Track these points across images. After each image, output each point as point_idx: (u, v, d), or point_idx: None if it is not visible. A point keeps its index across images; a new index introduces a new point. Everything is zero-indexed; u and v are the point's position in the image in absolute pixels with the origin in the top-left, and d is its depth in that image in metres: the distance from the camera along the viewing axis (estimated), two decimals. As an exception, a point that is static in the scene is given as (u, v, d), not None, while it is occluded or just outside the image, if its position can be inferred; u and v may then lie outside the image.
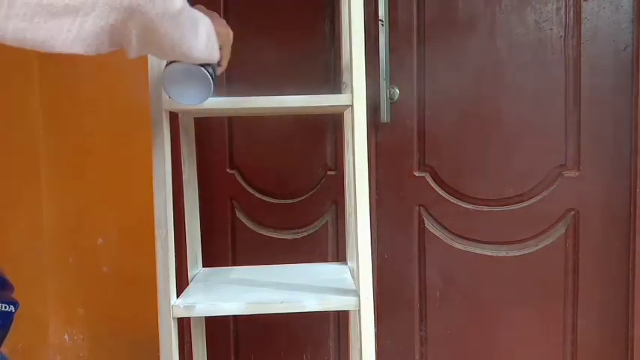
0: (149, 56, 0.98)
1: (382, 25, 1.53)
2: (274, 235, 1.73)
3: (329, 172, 1.67)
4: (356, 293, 1.02)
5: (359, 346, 1.00)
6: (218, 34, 0.87)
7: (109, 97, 1.77)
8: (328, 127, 1.65)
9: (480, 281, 1.58)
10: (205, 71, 0.88)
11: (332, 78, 1.62)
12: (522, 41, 1.50)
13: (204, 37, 0.80)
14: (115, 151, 1.77)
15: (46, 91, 1.81)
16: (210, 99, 0.92)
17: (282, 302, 1.01)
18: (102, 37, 0.63)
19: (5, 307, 0.85)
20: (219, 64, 0.93)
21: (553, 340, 1.55)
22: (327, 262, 1.57)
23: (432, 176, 1.59)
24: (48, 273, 1.85)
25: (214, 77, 0.90)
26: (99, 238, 1.82)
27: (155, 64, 0.99)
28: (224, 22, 0.93)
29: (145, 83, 1.00)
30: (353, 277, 1.18)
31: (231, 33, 0.94)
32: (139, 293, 1.77)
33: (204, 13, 0.85)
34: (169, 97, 0.92)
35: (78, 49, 0.62)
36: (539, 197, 1.53)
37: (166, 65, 0.89)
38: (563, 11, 1.48)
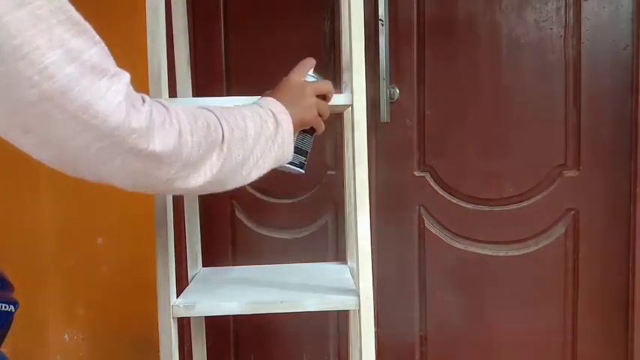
0: (149, 56, 0.98)
1: (382, 25, 1.53)
2: (274, 234, 1.72)
3: (329, 172, 1.67)
4: (356, 293, 1.01)
5: (359, 346, 1.00)
6: (302, 122, 0.87)
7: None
8: (328, 127, 1.65)
9: (480, 281, 1.58)
10: (292, 167, 0.92)
11: (332, 78, 1.62)
12: (522, 41, 1.50)
13: (231, 164, 0.73)
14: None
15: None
16: (209, 99, 0.95)
17: (281, 302, 1.01)
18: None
19: (5, 307, 0.85)
20: (312, 132, 0.94)
21: (553, 340, 1.55)
22: (327, 262, 1.56)
23: (432, 176, 1.59)
24: (48, 273, 1.84)
25: (305, 160, 0.94)
26: (99, 238, 1.82)
27: (155, 63, 0.99)
28: (309, 100, 0.89)
29: (144, 83, 0.99)
30: (353, 277, 1.18)
31: (324, 101, 0.93)
32: (139, 293, 1.77)
33: (282, 112, 0.82)
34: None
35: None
36: (539, 197, 1.53)
37: None
38: (563, 11, 1.48)
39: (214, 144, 0.69)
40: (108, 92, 0.57)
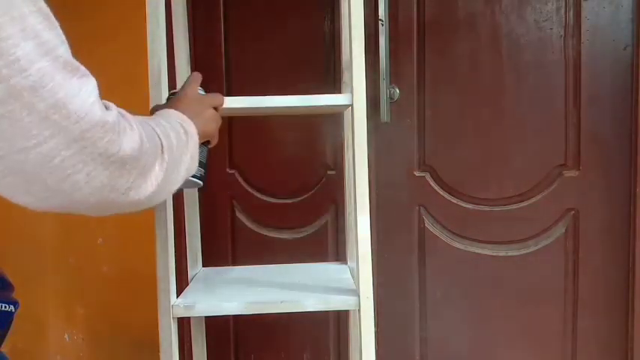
0: (149, 56, 0.98)
1: (382, 25, 1.53)
2: (274, 235, 1.72)
3: (329, 172, 1.67)
4: (356, 293, 1.01)
5: (359, 346, 1.00)
6: (205, 134, 0.87)
7: (108, 97, 1.77)
8: (328, 127, 1.65)
9: (480, 281, 1.58)
10: (195, 179, 0.91)
11: (332, 78, 1.62)
12: (522, 41, 1.50)
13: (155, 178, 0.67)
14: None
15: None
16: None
17: (282, 302, 1.01)
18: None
19: (5, 307, 0.85)
20: (207, 144, 0.95)
21: (553, 340, 1.55)
22: (327, 262, 1.56)
23: (432, 176, 1.59)
24: (48, 273, 1.84)
25: (204, 172, 0.95)
26: (99, 238, 1.82)
27: (155, 63, 0.99)
28: (209, 112, 0.90)
29: (144, 83, 0.99)
30: (353, 277, 1.18)
31: (217, 113, 0.93)
32: (139, 293, 1.77)
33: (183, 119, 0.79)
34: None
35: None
36: (539, 197, 1.53)
37: None
38: (563, 11, 1.48)
39: (157, 151, 0.66)
40: (81, 91, 0.53)
